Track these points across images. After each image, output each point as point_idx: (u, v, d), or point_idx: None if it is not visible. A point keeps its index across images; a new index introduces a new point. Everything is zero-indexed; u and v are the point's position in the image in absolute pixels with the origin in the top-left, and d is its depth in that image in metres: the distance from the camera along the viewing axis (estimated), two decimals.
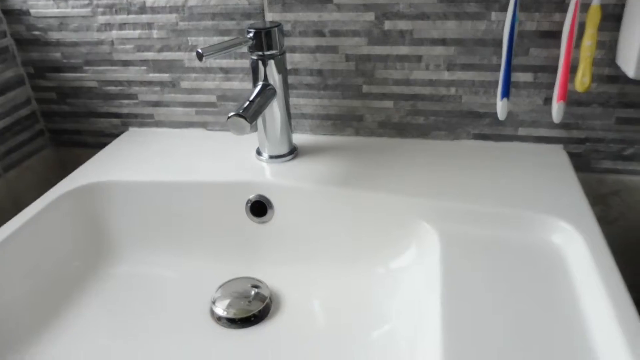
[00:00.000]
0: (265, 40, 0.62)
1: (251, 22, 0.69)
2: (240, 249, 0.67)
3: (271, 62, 0.63)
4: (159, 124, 0.80)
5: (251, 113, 0.58)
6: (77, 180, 0.68)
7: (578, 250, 0.50)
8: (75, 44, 0.76)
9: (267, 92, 0.63)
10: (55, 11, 0.74)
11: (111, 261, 0.67)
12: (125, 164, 0.71)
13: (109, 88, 0.79)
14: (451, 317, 0.44)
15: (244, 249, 0.67)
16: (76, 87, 0.80)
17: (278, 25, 0.62)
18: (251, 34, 0.62)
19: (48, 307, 0.60)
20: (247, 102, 0.59)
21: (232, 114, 0.56)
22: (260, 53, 0.63)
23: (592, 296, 0.45)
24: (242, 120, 0.56)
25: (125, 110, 0.80)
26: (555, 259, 0.50)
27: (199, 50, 0.56)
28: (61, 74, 0.79)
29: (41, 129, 0.84)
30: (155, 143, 0.77)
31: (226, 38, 0.71)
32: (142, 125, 0.81)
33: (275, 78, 0.64)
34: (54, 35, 0.76)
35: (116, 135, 0.82)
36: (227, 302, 0.59)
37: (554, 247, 0.52)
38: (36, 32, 0.76)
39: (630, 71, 0.56)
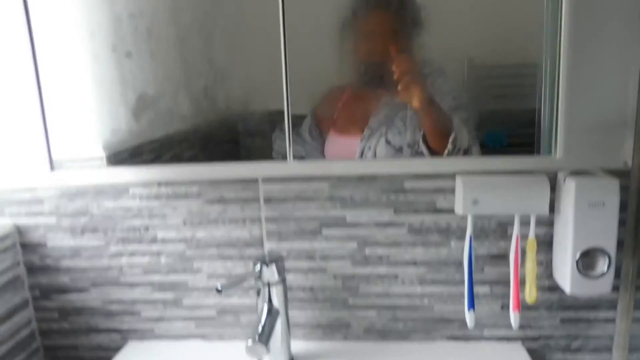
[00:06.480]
0: (269, 271, 0.73)
1: (251, 249, 0.81)
2: None
3: (274, 288, 0.74)
4: (158, 337, 0.87)
5: (265, 338, 0.67)
6: None
7: None
8: (84, 270, 0.84)
9: (273, 315, 0.73)
10: (70, 243, 0.83)
11: None
12: None
13: (113, 307, 0.85)
14: None
15: None
16: (79, 307, 0.86)
17: (280, 259, 0.74)
18: (258, 268, 0.73)
19: None
20: (261, 328, 0.69)
21: (250, 342, 0.65)
22: (266, 281, 0.74)
23: None
24: (260, 346, 0.65)
25: (125, 326, 0.86)
26: None
27: (219, 289, 0.66)
28: (65, 295, 0.85)
29: (37, 346, 0.88)
30: (155, 356, 0.83)
31: (229, 263, 0.82)
32: (141, 338, 0.87)
33: (278, 300, 0.75)
34: (65, 263, 0.84)
35: (114, 349, 0.87)
36: None
37: None
38: (48, 261, 0.84)
39: (567, 289, 0.72)
